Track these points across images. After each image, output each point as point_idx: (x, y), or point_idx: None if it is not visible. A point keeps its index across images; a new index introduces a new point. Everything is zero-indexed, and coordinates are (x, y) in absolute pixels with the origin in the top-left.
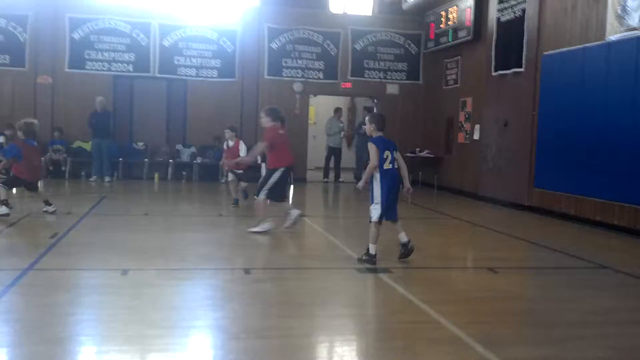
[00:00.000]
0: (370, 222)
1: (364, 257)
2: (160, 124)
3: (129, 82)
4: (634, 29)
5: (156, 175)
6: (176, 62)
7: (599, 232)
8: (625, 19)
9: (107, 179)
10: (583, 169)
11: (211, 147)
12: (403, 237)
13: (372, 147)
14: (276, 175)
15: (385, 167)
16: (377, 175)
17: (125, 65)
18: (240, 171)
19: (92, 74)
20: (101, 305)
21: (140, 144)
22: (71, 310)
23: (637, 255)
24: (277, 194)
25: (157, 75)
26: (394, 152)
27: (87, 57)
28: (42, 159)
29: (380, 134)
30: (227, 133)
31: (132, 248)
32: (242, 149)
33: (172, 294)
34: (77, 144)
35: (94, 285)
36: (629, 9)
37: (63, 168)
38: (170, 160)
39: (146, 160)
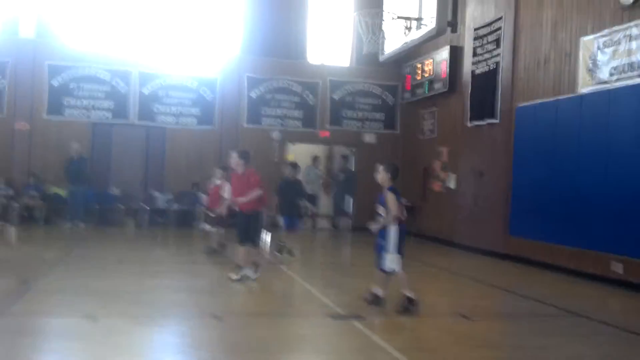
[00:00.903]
0: (386, 272)
1: (408, 307)
2: (138, 171)
3: (108, 129)
4: (605, 82)
5: (131, 222)
6: (155, 110)
7: (574, 280)
8: (596, 72)
9: (81, 225)
10: (557, 217)
11: (188, 193)
12: (379, 291)
13: (391, 196)
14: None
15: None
16: (394, 225)
17: (105, 112)
18: (213, 214)
19: (70, 121)
20: (68, 352)
21: (116, 189)
22: (37, 357)
23: (609, 303)
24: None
25: (136, 122)
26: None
27: (65, 104)
28: (17, 205)
29: (392, 184)
30: (218, 172)
31: (104, 294)
32: (227, 190)
33: (140, 341)
34: (52, 190)
35: (62, 331)
36: (599, 63)
37: (38, 214)
38: (146, 207)
39: (121, 206)
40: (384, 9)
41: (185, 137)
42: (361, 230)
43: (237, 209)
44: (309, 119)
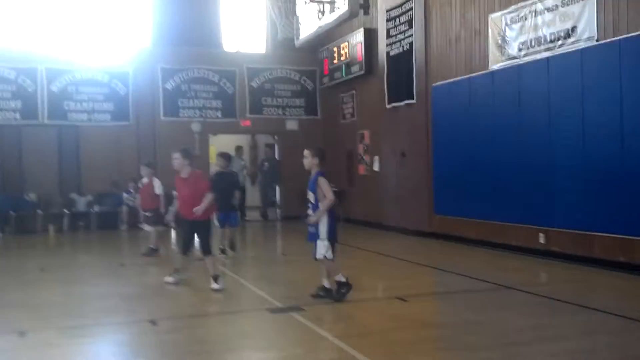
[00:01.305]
0: (317, 259)
1: (342, 291)
2: (53, 174)
3: (17, 130)
4: (514, 57)
5: (51, 228)
6: (66, 107)
7: (500, 254)
8: (505, 48)
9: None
10: (478, 193)
11: (108, 194)
12: (326, 283)
13: (323, 182)
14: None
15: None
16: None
17: (12, 113)
18: (149, 214)
19: None
20: None
21: (32, 195)
22: None
23: (536, 274)
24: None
25: (47, 122)
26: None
27: None
28: None
29: (321, 168)
30: (144, 170)
31: (29, 307)
32: (157, 185)
33: (74, 354)
34: None
35: None
36: (508, 39)
37: None
38: (66, 211)
39: (39, 212)
40: None
41: (100, 134)
42: (290, 219)
43: (184, 217)
44: (228, 109)
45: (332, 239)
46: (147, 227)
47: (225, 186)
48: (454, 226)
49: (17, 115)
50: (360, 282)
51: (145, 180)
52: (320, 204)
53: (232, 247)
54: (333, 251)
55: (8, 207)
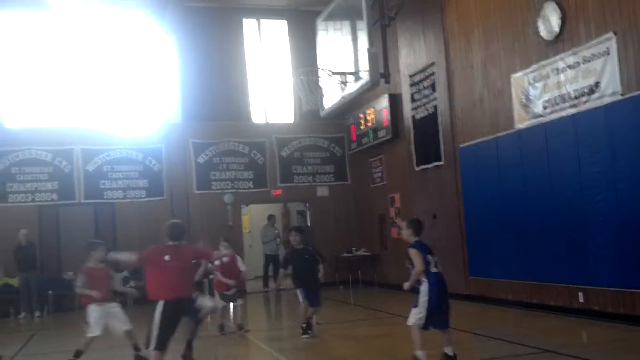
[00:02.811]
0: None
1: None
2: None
3: (55, 211)
4: (540, 115)
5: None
6: (102, 186)
7: (538, 315)
8: (530, 107)
9: (36, 314)
10: (513, 253)
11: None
12: (449, 350)
13: (413, 252)
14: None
15: (431, 271)
16: (424, 280)
17: (49, 194)
18: (232, 291)
19: (15, 207)
20: None
21: (70, 273)
22: None
23: (577, 335)
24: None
25: (83, 201)
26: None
27: (9, 189)
28: None
29: (417, 238)
30: (223, 245)
31: None
32: (241, 263)
33: None
34: (2, 280)
35: None
36: (532, 97)
37: None
38: None
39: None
40: (319, 66)
41: (135, 210)
42: (327, 285)
43: None
44: (259, 179)
45: (431, 309)
46: (221, 303)
47: (304, 261)
48: (490, 288)
49: (55, 196)
50: (399, 351)
51: (225, 257)
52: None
53: (310, 327)
54: (427, 323)
55: (47, 287)
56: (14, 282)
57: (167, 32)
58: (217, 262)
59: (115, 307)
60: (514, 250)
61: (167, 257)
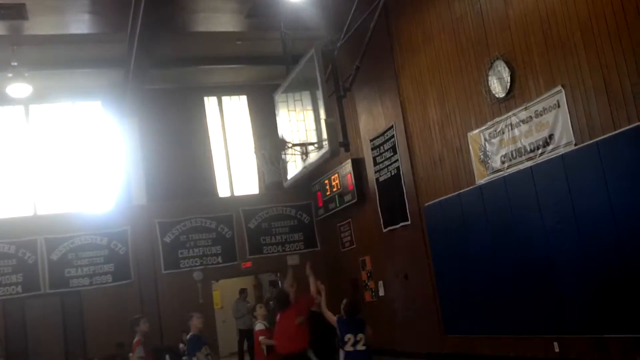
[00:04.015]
0: None
1: None
2: (58, 341)
3: (20, 303)
4: (499, 170)
5: None
6: (67, 274)
7: None
8: (488, 162)
9: None
10: (485, 308)
11: (114, 356)
12: None
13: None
14: None
15: (346, 349)
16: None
17: (14, 287)
18: None
19: None
20: None
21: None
22: None
23: None
24: None
25: (49, 291)
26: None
27: None
28: None
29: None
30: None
31: None
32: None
33: None
34: None
35: None
36: (489, 153)
37: None
38: None
39: None
40: (280, 138)
41: (102, 295)
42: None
43: None
44: (228, 253)
45: None
46: None
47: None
48: (467, 344)
49: (19, 289)
50: None
51: (259, 326)
52: None
53: None
54: None
55: None
56: None
57: (128, 115)
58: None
59: None
60: (487, 305)
61: None
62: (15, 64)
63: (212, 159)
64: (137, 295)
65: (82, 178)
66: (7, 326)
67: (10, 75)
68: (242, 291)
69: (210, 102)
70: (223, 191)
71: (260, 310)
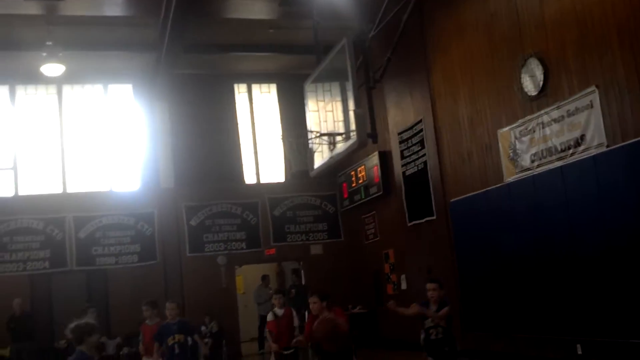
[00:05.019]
0: None
1: None
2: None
3: (47, 279)
4: (528, 169)
5: None
6: (94, 253)
7: None
8: (518, 161)
9: None
10: (508, 305)
11: (137, 334)
12: None
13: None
14: None
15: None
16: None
17: (41, 262)
18: (291, 351)
19: (7, 276)
20: None
21: (62, 342)
22: None
23: None
24: None
25: (75, 268)
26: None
27: (0, 259)
28: None
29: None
30: (278, 299)
31: None
32: (296, 318)
33: None
34: None
35: None
36: (519, 151)
37: None
38: (95, 357)
39: (69, 358)
40: (308, 127)
41: (128, 275)
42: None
43: None
44: (252, 239)
45: None
46: None
47: None
48: (486, 342)
49: (47, 264)
50: None
51: (279, 311)
52: None
53: None
54: None
55: (39, 357)
56: (6, 353)
57: (158, 99)
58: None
59: None
60: (509, 303)
61: None
62: (50, 43)
63: (239, 146)
64: (161, 277)
65: (112, 159)
66: (34, 300)
67: (44, 54)
68: (264, 277)
69: (239, 89)
70: (249, 178)
71: (275, 300)
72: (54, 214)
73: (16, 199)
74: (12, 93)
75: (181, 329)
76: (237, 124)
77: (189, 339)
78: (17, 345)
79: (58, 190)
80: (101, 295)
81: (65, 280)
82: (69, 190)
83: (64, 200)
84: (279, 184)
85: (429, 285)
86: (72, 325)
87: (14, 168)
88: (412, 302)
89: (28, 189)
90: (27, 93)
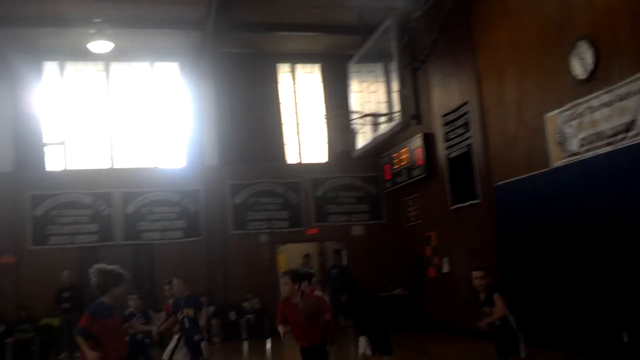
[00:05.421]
0: None
1: None
2: (128, 291)
3: (94, 252)
4: (576, 153)
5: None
6: (140, 228)
7: (582, 357)
8: (565, 145)
9: (77, 354)
10: (551, 292)
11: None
12: None
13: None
14: None
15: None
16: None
17: (90, 236)
18: None
19: (56, 249)
20: None
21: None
22: None
23: None
24: None
25: (122, 242)
26: None
27: (49, 232)
28: (10, 341)
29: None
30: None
31: None
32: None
33: None
34: (43, 321)
35: None
36: (567, 136)
37: (33, 348)
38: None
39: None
40: (351, 108)
41: (172, 250)
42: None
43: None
44: (294, 219)
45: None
46: None
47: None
48: (527, 327)
49: (95, 238)
50: None
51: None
52: None
53: None
54: None
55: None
56: (55, 322)
57: (204, 77)
58: None
59: None
60: (552, 290)
61: None
62: (98, 20)
63: (282, 126)
64: (205, 253)
65: (158, 136)
66: (82, 273)
67: (92, 31)
68: (306, 256)
69: (283, 69)
70: (292, 158)
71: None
72: (102, 189)
73: (65, 173)
74: (62, 69)
75: (189, 303)
76: (280, 103)
77: (199, 312)
78: (65, 316)
79: (106, 165)
80: (147, 270)
81: (112, 254)
82: (117, 165)
83: (112, 176)
84: (321, 164)
85: (475, 274)
86: (98, 268)
87: (63, 143)
88: (454, 286)
89: (77, 163)
90: (76, 69)
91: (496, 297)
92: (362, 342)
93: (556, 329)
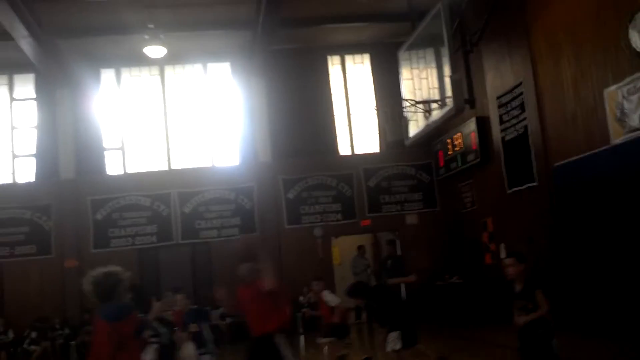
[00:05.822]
0: None
1: None
2: (188, 290)
3: (154, 252)
4: (637, 129)
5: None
6: (197, 226)
7: None
8: (626, 121)
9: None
10: (614, 277)
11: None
12: None
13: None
14: None
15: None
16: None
17: (149, 237)
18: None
19: (117, 251)
20: None
21: (167, 312)
22: None
23: None
24: None
25: (181, 242)
26: None
27: (111, 235)
28: (75, 343)
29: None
30: (316, 285)
31: None
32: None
33: None
34: None
35: None
36: (627, 111)
37: None
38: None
39: (176, 329)
40: (402, 96)
41: (230, 247)
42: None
43: None
44: (348, 211)
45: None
46: (325, 340)
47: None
48: (585, 316)
49: (154, 239)
50: None
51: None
52: None
53: None
54: None
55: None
56: None
57: (255, 75)
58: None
59: None
60: (617, 275)
61: None
62: (152, 26)
63: (334, 118)
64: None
65: (212, 135)
66: (143, 273)
67: (146, 37)
68: (360, 248)
69: (333, 61)
70: (344, 149)
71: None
72: (160, 190)
73: (124, 177)
74: (118, 76)
75: (190, 319)
76: (331, 96)
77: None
78: None
79: (163, 167)
80: (205, 267)
81: (171, 253)
82: (174, 166)
83: (169, 177)
84: (373, 154)
85: (506, 261)
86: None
87: (122, 148)
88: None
89: (135, 167)
90: (131, 75)
91: (540, 296)
92: (393, 337)
93: (617, 317)
